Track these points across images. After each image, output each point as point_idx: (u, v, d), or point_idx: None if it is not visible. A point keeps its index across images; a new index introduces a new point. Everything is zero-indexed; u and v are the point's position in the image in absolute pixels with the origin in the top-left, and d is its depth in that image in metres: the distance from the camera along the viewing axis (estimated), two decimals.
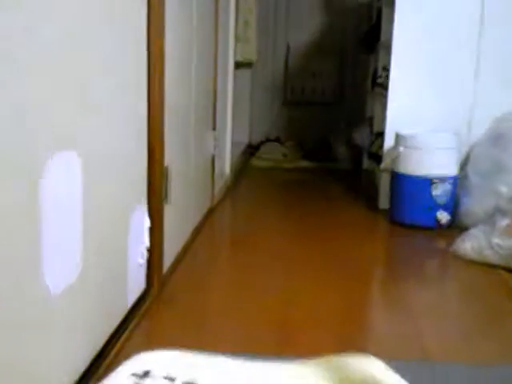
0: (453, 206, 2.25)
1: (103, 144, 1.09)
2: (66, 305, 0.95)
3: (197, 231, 2.06)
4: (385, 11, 2.91)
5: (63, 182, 0.92)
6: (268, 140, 4.03)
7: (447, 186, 2.21)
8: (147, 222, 1.39)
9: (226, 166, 2.86)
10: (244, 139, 3.87)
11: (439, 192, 2.20)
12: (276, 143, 3.94)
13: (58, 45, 0.88)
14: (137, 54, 1.30)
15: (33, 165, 0.82)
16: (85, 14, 0.98)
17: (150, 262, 1.45)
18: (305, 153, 3.82)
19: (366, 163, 3.40)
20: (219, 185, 2.56)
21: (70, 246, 0.96)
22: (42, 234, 0.84)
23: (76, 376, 1.01)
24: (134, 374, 0.96)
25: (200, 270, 1.75)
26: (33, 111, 0.81)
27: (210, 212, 2.34)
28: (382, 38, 2.98)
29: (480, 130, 2.34)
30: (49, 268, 0.87)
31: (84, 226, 1.00)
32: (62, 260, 0.93)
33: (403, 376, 0.99)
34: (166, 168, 1.54)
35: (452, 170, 2.24)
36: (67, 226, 0.94)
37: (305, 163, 3.61)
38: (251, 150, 3.89)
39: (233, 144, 3.01)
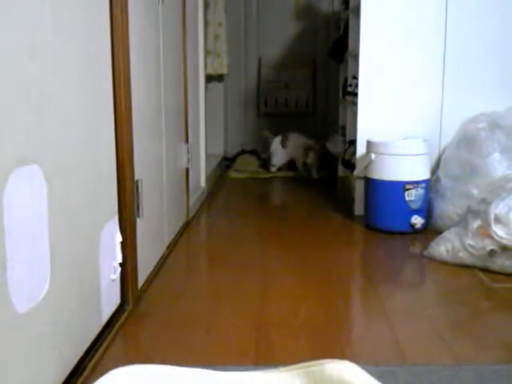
0: (427, 209, 2.27)
1: (68, 159, 1.08)
2: (34, 322, 0.93)
3: (172, 245, 2.05)
4: (351, 20, 2.96)
5: (27, 198, 0.91)
6: (244, 152, 4.04)
7: (420, 191, 2.23)
8: (119, 237, 1.38)
9: (201, 178, 2.86)
10: (219, 152, 3.87)
11: (413, 197, 2.22)
12: (252, 155, 3.95)
13: (17, 57, 0.87)
14: (101, 67, 1.29)
15: None
16: (46, 27, 0.97)
17: (123, 277, 1.44)
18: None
19: (341, 171, 3.43)
20: (194, 198, 2.56)
21: (37, 262, 0.94)
22: (6, 251, 0.83)
23: None
24: None
25: (176, 284, 1.73)
26: None
27: (186, 225, 2.33)
28: (350, 47, 3.02)
29: (449, 134, 2.38)
30: (14, 286, 0.85)
31: (51, 242, 0.98)
32: (28, 277, 0.91)
33: (381, 380, 0.99)
34: (137, 182, 1.53)
35: (424, 174, 2.26)
36: (33, 242, 0.93)
37: (281, 173, 3.62)
38: (227, 162, 3.90)
39: (208, 157, 3.01)
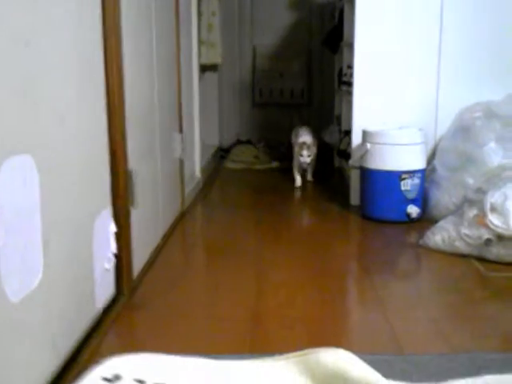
0: (422, 199, 2.27)
1: (60, 148, 1.07)
2: (28, 312, 0.92)
3: (167, 235, 2.04)
4: (346, 10, 2.94)
5: (19, 188, 0.90)
6: (239, 142, 4.02)
7: (416, 180, 2.23)
8: (113, 227, 1.37)
9: (196, 169, 2.84)
10: (215, 142, 3.86)
11: (408, 186, 2.22)
12: (247, 145, 3.93)
13: (9, 48, 0.86)
14: (93, 57, 1.28)
15: None
16: (38, 17, 0.96)
17: (118, 267, 1.43)
18: (276, 153, 3.81)
19: (337, 161, 3.42)
20: (189, 188, 2.54)
21: (30, 251, 0.94)
22: None
23: (45, 382, 0.99)
24: (104, 378, 0.95)
25: (171, 274, 1.73)
26: None
27: (181, 216, 2.33)
28: (345, 36, 3.00)
29: (445, 124, 2.37)
30: (7, 275, 0.84)
31: (44, 232, 0.98)
32: (21, 266, 0.91)
33: (377, 369, 0.99)
34: (131, 172, 1.52)
35: (420, 164, 2.26)
36: (26, 231, 0.92)
37: (276, 164, 3.61)
38: (222, 152, 3.88)
39: (203, 147, 2.99)
